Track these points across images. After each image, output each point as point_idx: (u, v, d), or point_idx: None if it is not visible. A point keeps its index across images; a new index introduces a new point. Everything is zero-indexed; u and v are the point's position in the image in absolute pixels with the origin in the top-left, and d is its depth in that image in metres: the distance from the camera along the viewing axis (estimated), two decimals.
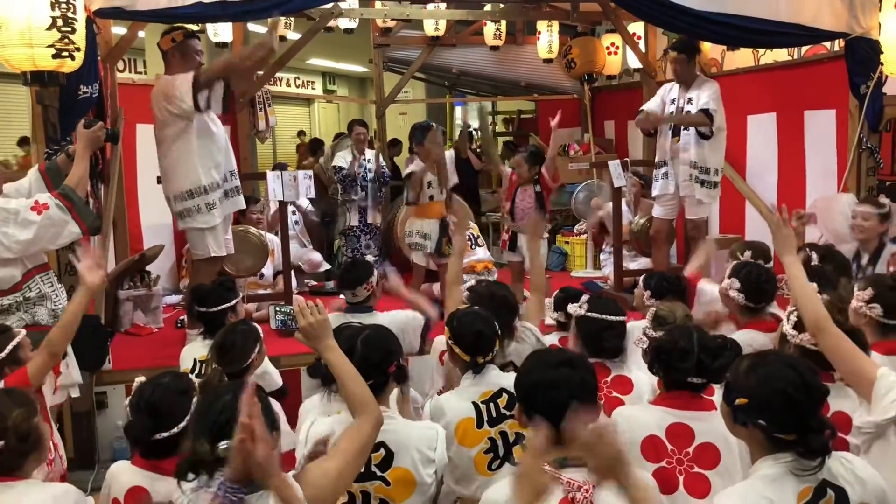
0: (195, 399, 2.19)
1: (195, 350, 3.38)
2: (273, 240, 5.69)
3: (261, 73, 6.19)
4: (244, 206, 5.02)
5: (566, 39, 7.75)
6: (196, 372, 3.24)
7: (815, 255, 3.55)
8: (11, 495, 1.98)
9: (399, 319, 3.47)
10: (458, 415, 2.49)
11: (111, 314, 4.90)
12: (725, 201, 5.38)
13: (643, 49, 6.97)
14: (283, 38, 7.50)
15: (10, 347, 2.63)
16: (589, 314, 2.82)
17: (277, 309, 4.84)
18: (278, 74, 9.44)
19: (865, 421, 2.16)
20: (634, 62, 7.19)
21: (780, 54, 5.90)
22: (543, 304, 3.44)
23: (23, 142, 8.53)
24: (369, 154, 6.54)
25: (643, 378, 2.73)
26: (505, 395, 2.51)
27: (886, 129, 4.90)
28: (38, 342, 2.68)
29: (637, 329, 2.78)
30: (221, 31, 6.43)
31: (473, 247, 6.15)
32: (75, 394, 3.29)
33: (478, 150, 8.81)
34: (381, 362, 2.28)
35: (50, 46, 3.46)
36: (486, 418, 2.49)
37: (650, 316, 2.79)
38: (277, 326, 4.77)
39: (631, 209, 6.23)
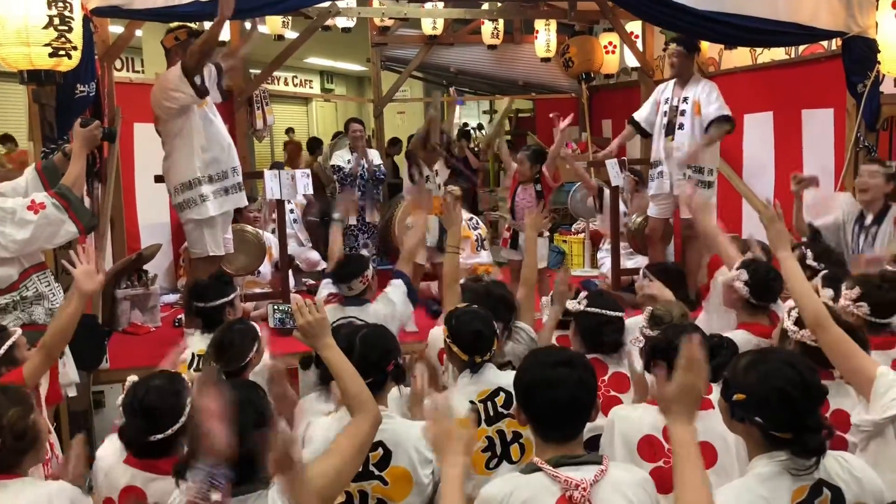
0: (188, 399, 2.18)
1: (194, 344, 3.37)
2: (270, 238, 5.68)
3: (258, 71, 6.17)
4: (246, 203, 5.04)
5: (564, 38, 7.76)
6: (194, 366, 3.25)
7: (810, 254, 3.53)
8: (7, 493, 1.97)
9: (386, 306, 3.50)
10: (457, 414, 2.48)
11: (108, 313, 4.89)
12: (722, 200, 5.38)
13: (641, 48, 6.96)
14: (280, 37, 7.51)
15: (5, 347, 2.62)
16: (588, 309, 2.84)
17: (275, 307, 4.84)
18: (276, 73, 9.45)
19: (864, 419, 2.16)
20: (632, 61, 7.20)
21: (778, 53, 5.91)
22: (532, 299, 3.41)
23: (5, 139, 8.53)
24: (371, 154, 6.53)
25: None
26: (502, 394, 2.51)
27: (883, 128, 4.89)
28: (35, 341, 2.67)
29: (636, 325, 2.79)
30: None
31: (479, 249, 6.09)
32: (72, 393, 3.29)
33: (476, 149, 8.83)
34: (379, 361, 2.29)
35: (47, 45, 3.45)
36: (483, 417, 2.49)
37: (647, 315, 2.79)
38: (275, 325, 4.77)
39: (627, 205, 6.21)
